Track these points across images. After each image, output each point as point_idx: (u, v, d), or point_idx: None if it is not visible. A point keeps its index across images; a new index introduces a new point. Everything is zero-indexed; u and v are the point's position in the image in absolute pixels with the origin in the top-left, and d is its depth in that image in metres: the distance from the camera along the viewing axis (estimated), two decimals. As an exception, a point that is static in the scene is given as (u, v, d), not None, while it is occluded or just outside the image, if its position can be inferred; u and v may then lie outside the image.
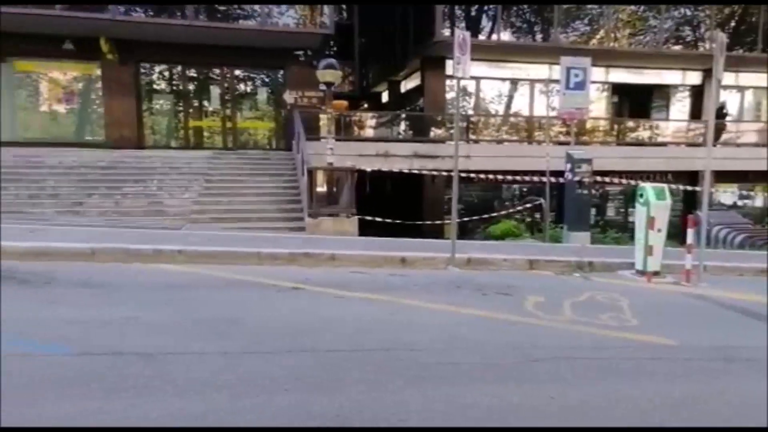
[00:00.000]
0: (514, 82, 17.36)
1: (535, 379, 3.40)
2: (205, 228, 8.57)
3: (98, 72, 12.97)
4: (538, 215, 13.10)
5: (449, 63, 14.96)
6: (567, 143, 12.50)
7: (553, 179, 10.60)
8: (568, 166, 9.47)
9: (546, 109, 15.91)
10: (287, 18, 13.03)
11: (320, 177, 9.27)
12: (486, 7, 15.70)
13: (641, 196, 6.87)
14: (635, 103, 18.97)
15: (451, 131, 14.89)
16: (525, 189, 16.16)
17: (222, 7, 12.60)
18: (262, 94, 15.24)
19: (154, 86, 14.16)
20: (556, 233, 10.29)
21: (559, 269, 7.15)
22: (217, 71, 14.27)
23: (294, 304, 5.00)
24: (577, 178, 9.30)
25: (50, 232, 7.07)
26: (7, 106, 12.88)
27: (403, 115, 17.61)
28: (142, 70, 13.53)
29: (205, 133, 14.62)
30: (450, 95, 16.02)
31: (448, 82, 15.90)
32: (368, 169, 11.77)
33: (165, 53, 13.16)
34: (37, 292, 4.88)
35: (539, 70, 16.51)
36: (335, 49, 20.54)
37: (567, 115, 10.55)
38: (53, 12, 10.93)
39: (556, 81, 10.86)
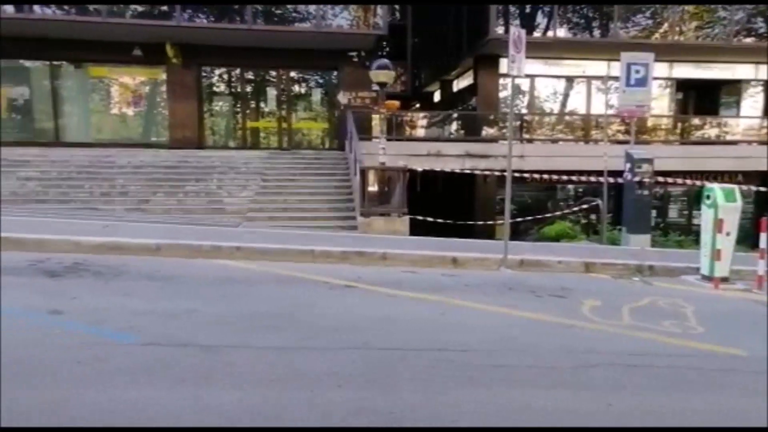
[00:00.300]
0: (570, 80, 16.85)
1: (591, 385, 3.32)
2: (262, 225, 8.84)
3: (163, 76, 13.65)
4: (594, 217, 12.67)
5: (503, 61, 14.74)
6: (626, 142, 12.03)
7: (611, 179, 10.24)
8: (628, 165, 9.12)
9: (604, 106, 15.37)
10: (341, 20, 13.23)
11: (372, 176, 9.36)
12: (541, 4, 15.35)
13: (708, 197, 6.52)
14: (702, 100, 17.99)
15: (504, 130, 14.65)
16: (581, 189, 15.66)
17: (278, 11, 12.94)
18: (316, 95, 15.53)
19: (214, 89, 14.72)
20: (614, 235, 9.93)
21: (617, 273, 6.90)
22: (274, 73, 14.66)
23: (346, 302, 5.09)
24: (637, 179, 8.93)
25: (120, 228, 7.51)
26: (82, 109, 13.80)
27: (455, 115, 17.47)
28: (203, 74, 14.10)
29: (261, 134, 15.06)
30: (503, 94, 15.76)
31: (501, 80, 15.65)
32: (419, 169, 11.77)
33: (225, 57, 13.67)
34: (108, 283, 5.20)
35: (597, 67, 15.95)
36: (388, 49, 20.66)
37: (627, 112, 10.15)
38: (124, 21, 11.64)
39: (616, 78, 10.47)
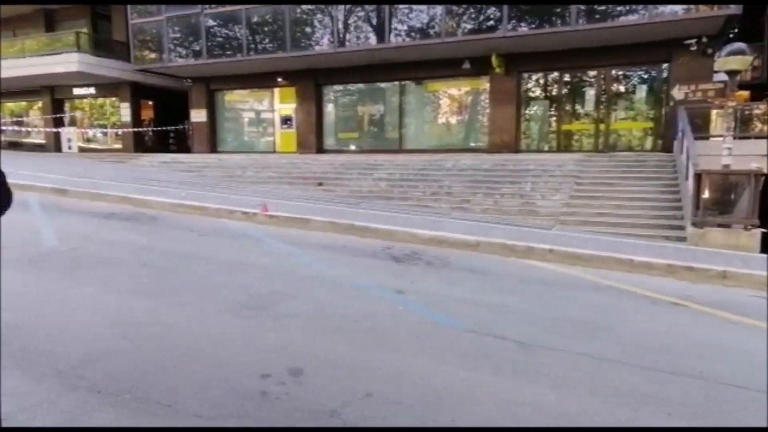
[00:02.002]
0: None
1: None
2: (575, 230, 8.66)
3: (486, 85, 14.67)
4: None
5: None
6: None
7: None
8: None
9: None
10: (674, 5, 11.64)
11: (711, 181, 8.04)
12: None
13: None
14: None
15: None
16: None
17: (601, 7, 12.28)
18: (640, 92, 14.15)
19: (530, 94, 15.01)
20: None
21: None
22: (592, 73, 14.03)
23: (673, 321, 4.58)
24: None
25: (445, 224, 8.49)
26: (418, 120, 16.10)
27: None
28: (522, 80, 14.53)
29: (575, 136, 14.63)
30: None
31: None
32: (776, 173, 9.49)
33: (544, 61, 13.79)
34: (438, 272, 5.98)
35: None
36: (736, 30, 17.20)
37: None
38: (458, 39, 12.97)
39: None
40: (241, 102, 18.79)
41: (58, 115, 21.43)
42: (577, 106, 14.59)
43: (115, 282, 4.89)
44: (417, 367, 3.38)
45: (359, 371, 3.27)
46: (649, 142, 13.81)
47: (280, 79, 16.77)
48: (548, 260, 6.72)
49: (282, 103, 17.53)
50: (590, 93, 14.17)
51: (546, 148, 14.68)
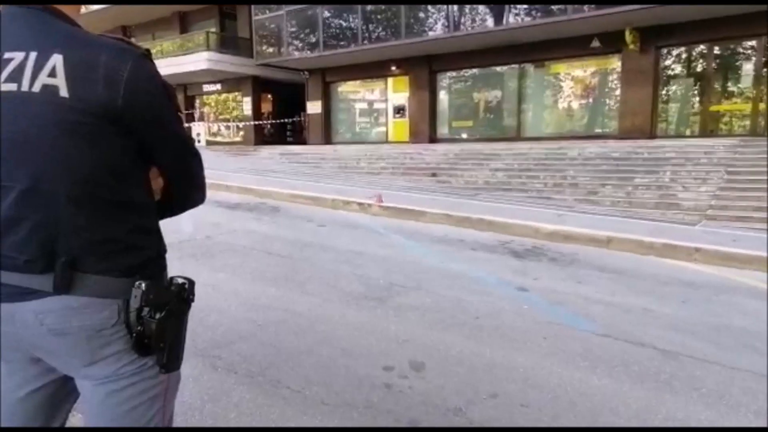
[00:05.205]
0: None
1: None
2: (727, 226, 7.63)
3: (616, 65, 13.37)
4: None
5: None
6: None
7: None
8: None
9: None
10: None
11: None
12: None
13: None
14: None
15: None
16: None
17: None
18: (819, 61, 11.94)
19: (669, 72, 13.45)
20: None
21: None
22: (750, 44, 12.16)
23: None
24: None
25: (571, 218, 7.94)
26: (537, 105, 15.19)
27: None
28: (661, 56, 13.03)
29: (725, 118, 12.89)
30: None
31: None
32: None
33: (687, 34, 12.15)
34: (564, 269, 5.59)
35: None
36: None
37: None
38: (584, 15, 11.78)
39: None
40: (354, 93, 19.18)
41: (189, 111, 23.38)
42: (729, 83, 12.83)
43: (243, 269, 5.21)
44: (545, 370, 3.16)
45: (483, 370, 3.14)
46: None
47: (393, 68, 16.81)
48: (695, 260, 5.99)
49: (395, 92, 17.57)
50: (747, 67, 12.35)
51: (687, 132, 13.14)
